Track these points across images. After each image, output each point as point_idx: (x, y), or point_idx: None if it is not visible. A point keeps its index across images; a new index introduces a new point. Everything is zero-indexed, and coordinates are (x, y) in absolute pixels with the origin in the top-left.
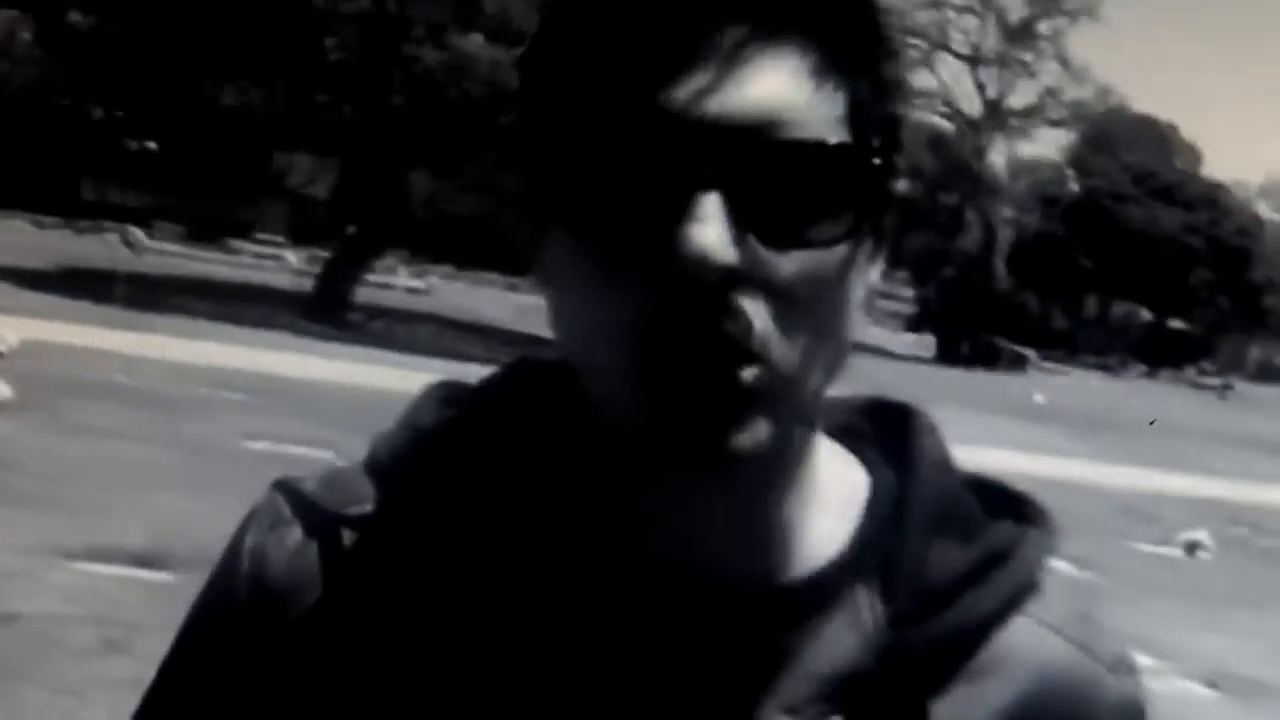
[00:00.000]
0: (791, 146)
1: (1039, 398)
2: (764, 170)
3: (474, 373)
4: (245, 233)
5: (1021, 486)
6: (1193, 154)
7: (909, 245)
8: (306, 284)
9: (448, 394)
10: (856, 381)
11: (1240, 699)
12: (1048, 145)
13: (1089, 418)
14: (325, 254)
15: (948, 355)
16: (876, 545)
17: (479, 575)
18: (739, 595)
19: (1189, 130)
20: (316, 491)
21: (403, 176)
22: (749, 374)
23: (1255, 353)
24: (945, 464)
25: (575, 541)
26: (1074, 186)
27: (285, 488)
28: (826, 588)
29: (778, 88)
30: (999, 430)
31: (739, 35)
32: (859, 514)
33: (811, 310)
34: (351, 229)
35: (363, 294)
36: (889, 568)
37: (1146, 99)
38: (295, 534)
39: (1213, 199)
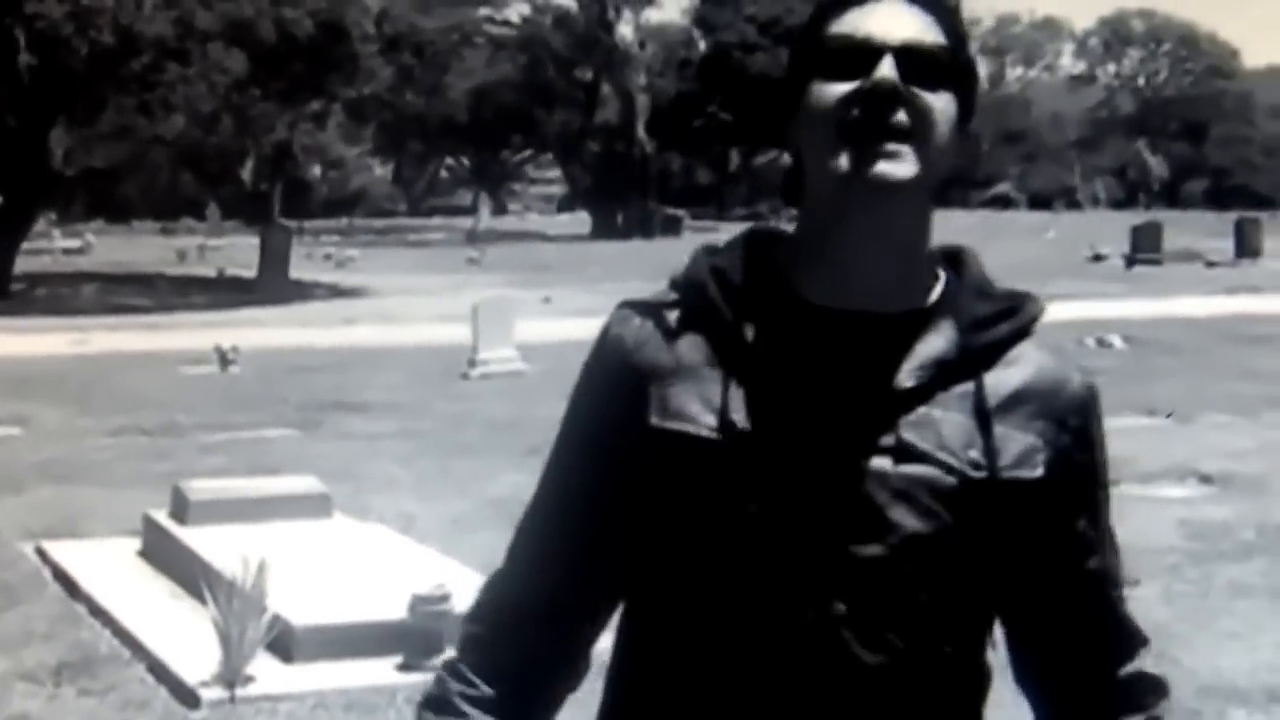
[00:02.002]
0: (923, 48)
1: None
2: (913, 57)
3: (142, 323)
4: None
5: None
6: None
7: (549, 126)
8: None
9: (705, 248)
10: (520, 266)
11: None
12: (672, 9)
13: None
14: None
15: (603, 229)
16: (950, 301)
17: (729, 322)
18: (886, 318)
19: None
20: (645, 298)
21: (42, 136)
22: (903, 142)
23: None
24: (981, 268)
25: (776, 300)
26: (701, 44)
27: (628, 302)
28: (930, 315)
29: (916, 26)
30: None
31: (907, 9)
32: (941, 286)
33: (933, 125)
34: None
35: (20, 263)
36: (957, 311)
37: None
38: (636, 320)
39: None
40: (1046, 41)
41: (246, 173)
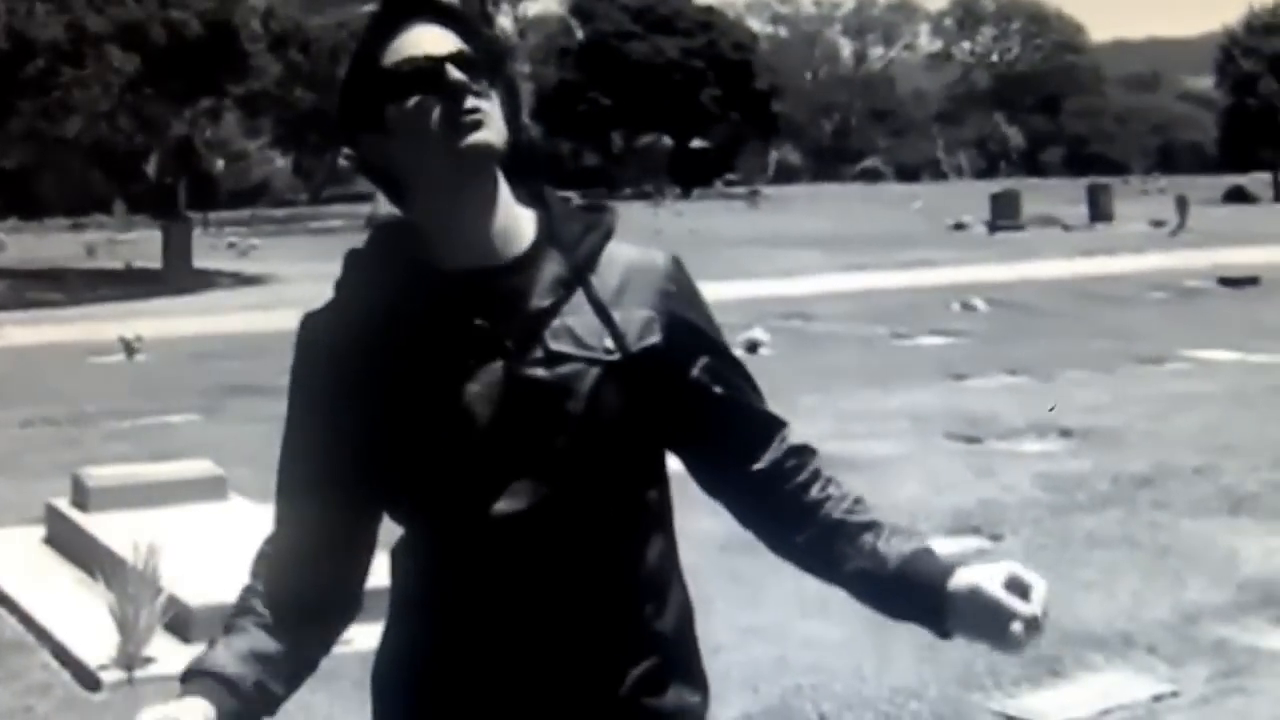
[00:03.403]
0: (465, 55)
1: None
2: (460, 60)
3: (53, 316)
4: None
5: None
6: None
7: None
8: None
9: (350, 252)
10: None
11: None
12: (549, 0)
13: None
14: None
15: None
16: (549, 234)
17: (388, 305)
18: (506, 266)
19: None
20: (320, 307)
21: None
22: (478, 117)
23: (773, 156)
24: (558, 197)
25: (420, 276)
26: (580, 33)
27: (309, 313)
28: (539, 251)
29: (453, 41)
30: None
31: (437, 27)
32: (536, 225)
33: (496, 104)
34: None
35: None
36: (557, 239)
37: None
38: (318, 324)
39: (707, 22)
40: (903, 22)
41: (151, 168)
